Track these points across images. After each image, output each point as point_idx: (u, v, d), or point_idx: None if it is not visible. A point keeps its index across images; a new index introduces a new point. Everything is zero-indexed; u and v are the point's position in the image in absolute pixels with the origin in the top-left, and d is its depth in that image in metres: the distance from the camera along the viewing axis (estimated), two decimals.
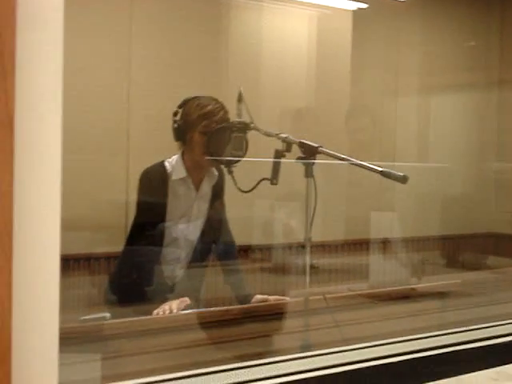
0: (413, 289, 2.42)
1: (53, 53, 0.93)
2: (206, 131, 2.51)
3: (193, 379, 1.31)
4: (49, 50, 0.92)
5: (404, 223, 3.35)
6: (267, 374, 1.39)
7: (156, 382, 1.30)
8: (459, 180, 5.05)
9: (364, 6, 4.47)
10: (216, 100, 2.58)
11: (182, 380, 1.31)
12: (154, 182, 2.58)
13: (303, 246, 2.03)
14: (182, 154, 2.60)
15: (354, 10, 4.47)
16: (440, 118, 5.02)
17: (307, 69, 4.26)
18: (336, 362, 1.47)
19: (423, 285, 2.56)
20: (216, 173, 2.67)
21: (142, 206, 2.59)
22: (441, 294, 2.34)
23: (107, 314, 2.17)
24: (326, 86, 4.27)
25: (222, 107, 2.56)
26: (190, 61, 3.73)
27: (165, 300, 2.30)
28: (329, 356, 1.52)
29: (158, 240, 2.56)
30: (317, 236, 2.04)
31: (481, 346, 1.57)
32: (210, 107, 2.53)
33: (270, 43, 4.08)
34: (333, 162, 2.02)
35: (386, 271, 2.61)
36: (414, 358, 1.46)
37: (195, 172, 2.62)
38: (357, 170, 1.98)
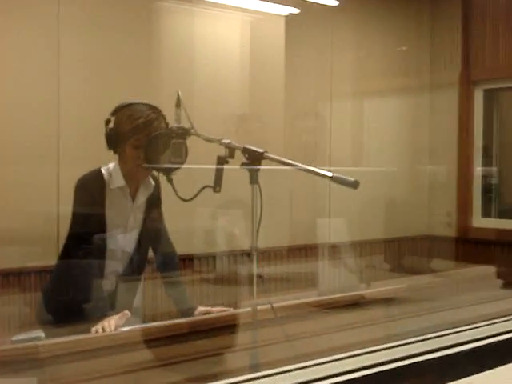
0: (362, 296, 2.37)
1: None
2: (139, 145, 2.39)
3: None
4: None
5: (344, 228, 3.32)
6: None
7: None
8: (394, 184, 5.08)
9: (296, 11, 4.44)
10: (151, 108, 2.45)
11: None
12: (91, 190, 2.45)
13: (248, 255, 1.95)
14: (119, 161, 2.48)
15: (286, 16, 4.44)
16: (374, 122, 5.03)
17: (241, 74, 4.20)
18: (290, 382, 1.37)
19: (371, 290, 2.50)
20: (152, 183, 2.56)
21: (77, 217, 2.45)
22: (391, 300, 2.30)
23: (41, 334, 2.04)
24: (261, 90, 4.22)
25: (157, 116, 2.43)
26: (121, 64, 3.61)
27: (104, 316, 2.18)
28: (281, 376, 1.41)
29: (94, 252, 2.42)
30: (260, 242, 1.96)
31: (445, 356, 1.50)
32: (142, 120, 2.39)
33: (202, 48, 4.00)
34: (275, 168, 1.95)
35: (332, 278, 2.55)
36: (374, 373, 1.38)
37: (132, 181, 2.51)
38: (297, 176, 1.92)
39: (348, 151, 4.92)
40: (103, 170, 2.47)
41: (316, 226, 3.28)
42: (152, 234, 2.61)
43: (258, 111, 4.20)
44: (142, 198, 2.55)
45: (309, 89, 4.59)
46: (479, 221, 5.12)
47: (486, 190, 5.16)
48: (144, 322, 2.53)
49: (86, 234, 2.40)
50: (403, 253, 4.81)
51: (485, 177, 5.17)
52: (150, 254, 2.63)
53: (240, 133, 3.83)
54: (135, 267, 2.57)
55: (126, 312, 2.20)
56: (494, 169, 5.18)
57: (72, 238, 2.47)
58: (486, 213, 5.15)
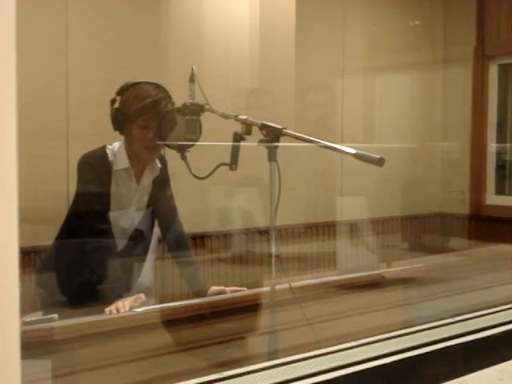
0: (382, 276, 2.31)
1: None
2: (146, 125, 2.33)
3: None
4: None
5: (358, 205, 3.26)
6: None
7: None
8: (407, 160, 5.01)
9: None
10: (158, 87, 2.37)
11: None
12: (97, 169, 2.38)
13: (260, 233, 1.89)
14: (125, 142, 2.42)
15: None
16: (387, 98, 4.95)
17: (251, 50, 4.11)
18: (313, 370, 1.30)
19: (392, 269, 2.43)
20: (159, 165, 2.49)
21: (82, 195, 2.39)
22: (413, 281, 2.23)
23: (55, 315, 2.00)
24: (272, 66, 4.15)
25: (164, 96, 2.36)
26: (132, 41, 3.53)
27: (117, 297, 2.13)
28: (303, 362, 1.35)
29: (99, 232, 2.35)
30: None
31: (478, 339, 1.44)
32: (149, 100, 2.31)
33: (213, 24, 3.92)
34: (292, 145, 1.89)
35: (350, 256, 2.49)
36: (405, 358, 1.31)
37: (137, 163, 2.44)
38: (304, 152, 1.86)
39: (360, 127, 4.85)
40: (108, 150, 2.40)
41: (331, 203, 3.21)
42: (159, 214, 2.56)
43: (269, 87, 4.13)
44: (147, 180, 2.48)
45: (320, 64, 4.50)
46: (493, 198, 5.05)
47: (500, 166, 5.09)
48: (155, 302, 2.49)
49: (90, 213, 2.35)
50: (419, 231, 4.75)
51: (499, 153, 5.08)
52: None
53: (251, 109, 3.76)
54: (138, 246, 2.52)
55: (141, 295, 2.16)
56: (509, 145, 5.10)
57: (75, 216, 2.42)
58: (500, 190, 5.08)
